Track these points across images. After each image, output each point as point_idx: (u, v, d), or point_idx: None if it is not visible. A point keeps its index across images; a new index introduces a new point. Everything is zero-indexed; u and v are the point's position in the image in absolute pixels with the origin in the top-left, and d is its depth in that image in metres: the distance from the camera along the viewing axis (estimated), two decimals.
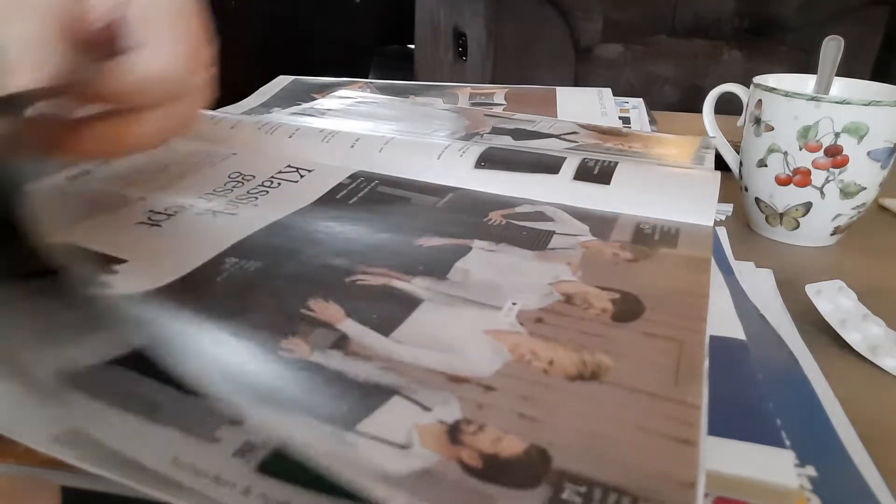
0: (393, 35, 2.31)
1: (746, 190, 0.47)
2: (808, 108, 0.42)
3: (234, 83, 0.53)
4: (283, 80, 0.67)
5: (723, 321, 0.29)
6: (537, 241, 0.32)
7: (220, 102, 0.50)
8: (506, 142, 0.47)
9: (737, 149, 0.49)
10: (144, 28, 0.28)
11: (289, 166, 0.40)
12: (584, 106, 0.63)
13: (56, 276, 0.22)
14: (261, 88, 0.65)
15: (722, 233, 0.42)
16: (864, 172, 0.43)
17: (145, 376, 0.23)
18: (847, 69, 0.47)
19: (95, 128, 0.28)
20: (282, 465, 0.19)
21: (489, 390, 0.22)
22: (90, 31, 0.27)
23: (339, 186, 0.38)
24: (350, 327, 0.25)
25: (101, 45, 0.28)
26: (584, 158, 0.40)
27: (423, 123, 0.51)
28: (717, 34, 1.91)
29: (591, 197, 0.37)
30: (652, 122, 0.62)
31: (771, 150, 0.44)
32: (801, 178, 0.43)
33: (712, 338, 0.27)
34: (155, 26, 0.28)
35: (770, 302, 0.36)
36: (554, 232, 0.34)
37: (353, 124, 0.49)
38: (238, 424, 0.20)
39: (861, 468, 0.24)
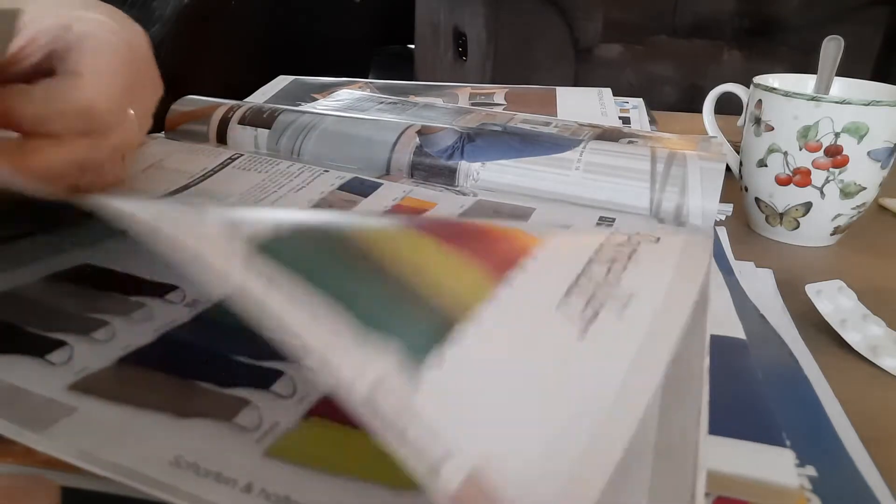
0: (393, 35, 2.31)
1: (746, 190, 0.47)
2: (808, 108, 0.42)
3: (234, 83, 0.53)
4: (283, 80, 0.67)
5: (723, 321, 0.29)
6: None
7: None
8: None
9: (737, 149, 0.49)
10: (81, 57, 0.28)
11: None
12: (584, 106, 0.63)
13: None
14: (261, 88, 0.65)
15: (722, 233, 0.42)
16: (864, 172, 0.43)
17: (160, 371, 0.23)
18: (847, 69, 0.47)
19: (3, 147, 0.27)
20: (292, 446, 0.19)
21: None
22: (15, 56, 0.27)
23: None
24: None
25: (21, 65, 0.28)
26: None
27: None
28: (717, 34, 1.90)
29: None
30: (652, 122, 0.62)
31: (771, 150, 0.44)
32: (801, 178, 0.43)
33: (712, 338, 0.27)
34: (93, 58, 0.28)
35: (770, 302, 0.36)
36: None
37: None
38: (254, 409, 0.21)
39: (861, 468, 0.24)
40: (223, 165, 0.43)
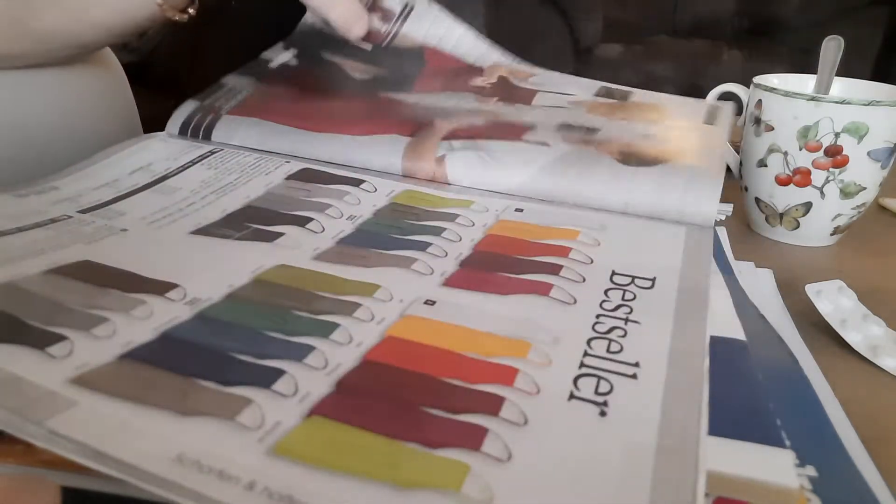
0: None
1: (746, 190, 0.47)
2: (808, 108, 0.42)
3: None
4: None
5: (723, 321, 0.29)
6: None
7: None
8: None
9: (737, 149, 0.49)
10: None
11: None
12: None
13: None
14: None
15: (722, 233, 0.42)
16: (864, 172, 0.43)
17: (161, 369, 0.23)
18: (847, 69, 0.47)
19: None
20: (294, 445, 0.19)
21: None
22: None
23: None
24: None
25: None
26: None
27: None
28: (717, 34, 1.91)
29: None
30: None
31: (771, 150, 0.44)
32: (801, 178, 0.43)
33: (712, 338, 0.27)
34: None
35: (770, 302, 0.36)
36: None
37: None
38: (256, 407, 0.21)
39: (861, 468, 0.24)
40: (193, 163, 0.42)
